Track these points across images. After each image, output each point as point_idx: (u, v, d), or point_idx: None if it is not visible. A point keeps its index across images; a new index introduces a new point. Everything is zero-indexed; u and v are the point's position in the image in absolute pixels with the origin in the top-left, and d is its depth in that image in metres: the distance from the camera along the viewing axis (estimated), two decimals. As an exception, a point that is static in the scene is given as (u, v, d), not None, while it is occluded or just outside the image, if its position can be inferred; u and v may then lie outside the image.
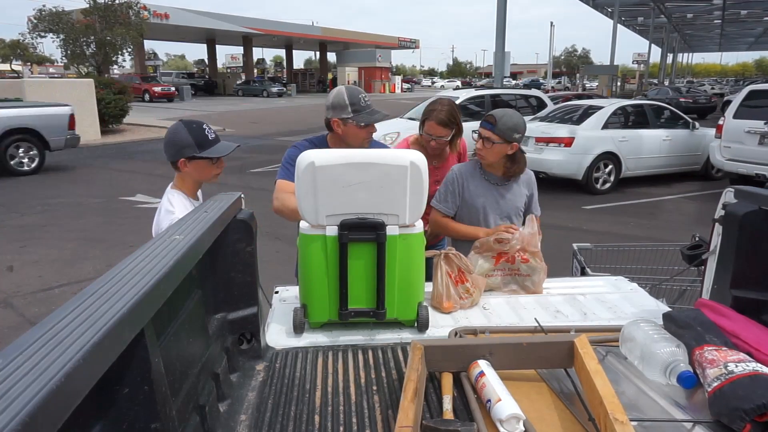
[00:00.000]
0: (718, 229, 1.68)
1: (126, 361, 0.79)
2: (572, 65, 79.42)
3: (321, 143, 2.28)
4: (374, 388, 1.31)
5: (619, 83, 31.51)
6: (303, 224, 1.57)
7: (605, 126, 8.89)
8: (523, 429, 1.11)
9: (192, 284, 1.22)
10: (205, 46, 47.16)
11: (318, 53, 55.71)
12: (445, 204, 2.35)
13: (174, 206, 1.92)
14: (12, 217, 7.27)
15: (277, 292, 1.94)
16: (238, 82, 43.18)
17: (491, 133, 2.18)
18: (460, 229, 2.33)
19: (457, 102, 10.57)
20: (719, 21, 36.88)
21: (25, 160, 10.06)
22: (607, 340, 1.50)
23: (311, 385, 1.32)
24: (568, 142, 8.58)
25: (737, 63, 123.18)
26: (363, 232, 1.51)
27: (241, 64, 49.38)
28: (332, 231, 1.52)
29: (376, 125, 2.28)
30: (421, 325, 1.61)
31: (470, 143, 2.48)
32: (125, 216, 7.31)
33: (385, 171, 1.49)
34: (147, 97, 32.02)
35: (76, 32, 20.06)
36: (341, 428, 1.16)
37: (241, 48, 46.02)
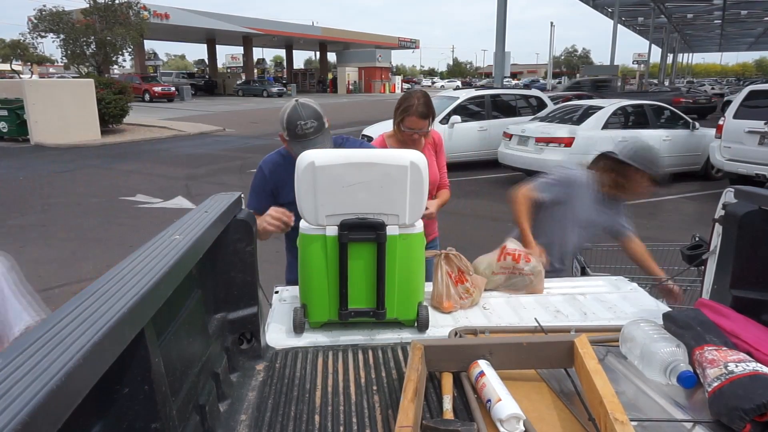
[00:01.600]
0: (718, 229, 1.68)
1: (126, 361, 0.79)
2: (572, 65, 79.44)
3: (288, 153, 2.13)
4: (374, 388, 1.31)
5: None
6: (303, 224, 1.57)
7: (605, 126, 8.89)
8: (523, 429, 1.11)
9: (192, 284, 1.21)
10: (205, 46, 47.14)
11: (318, 53, 55.71)
12: (544, 193, 2.37)
13: None
14: (12, 217, 7.27)
15: (277, 292, 1.94)
16: (238, 82, 43.18)
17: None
18: (522, 217, 2.35)
19: (457, 102, 10.57)
20: (719, 21, 36.90)
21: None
22: (607, 340, 1.50)
23: (311, 385, 1.32)
24: (568, 142, 8.58)
25: (737, 63, 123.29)
26: (363, 232, 1.51)
27: (241, 64, 49.35)
28: (332, 231, 1.52)
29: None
30: (421, 325, 1.61)
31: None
32: (125, 216, 7.31)
33: (385, 171, 1.49)
34: (147, 97, 32.03)
35: (76, 32, 20.07)
36: (341, 428, 1.16)
37: (241, 48, 46.01)
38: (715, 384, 1.15)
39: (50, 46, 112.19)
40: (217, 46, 47.28)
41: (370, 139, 9.93)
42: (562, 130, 8.81)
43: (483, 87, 20.73)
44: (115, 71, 29.81)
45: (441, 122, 9.86)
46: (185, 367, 1.08)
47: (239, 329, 1.44)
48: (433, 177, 2.53)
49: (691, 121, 9.85)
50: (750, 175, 8.05)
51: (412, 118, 2.39)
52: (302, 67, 69.62)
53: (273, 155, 2.22)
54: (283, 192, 2.13)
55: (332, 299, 1.56)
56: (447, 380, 1.28)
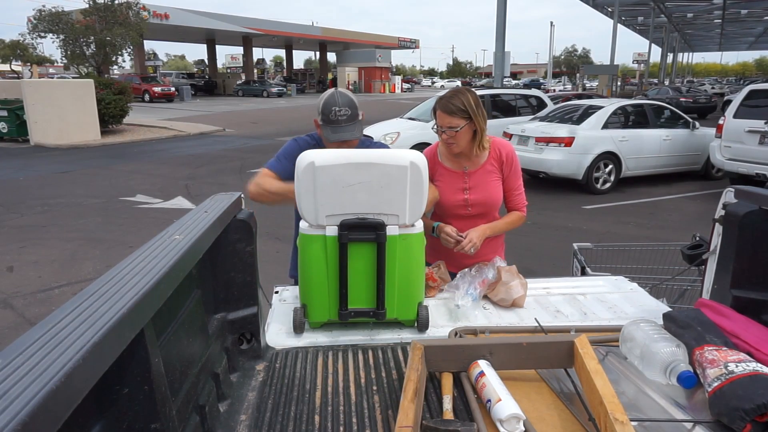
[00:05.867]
0: (718, 229, 1.68)
1: (126, 361, 0.79)
2: (572, 65, 79.45)
3: (320, 140, 2.21)
4: (374, 388, 1.31)
5: (619, 83, 31.42)
6: (303, 224, 1.57)
7: (605, 126, 8.89)
8: (523, 429, 1.11)
9: (192, 284, 1.22)
10: (205, 46, 47.12)
11: (318, 53, 55.70)
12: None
13: None
14: (12, 217, 7.27)
15: (277, 292, 1.94)
16: (238, 83, 43.18)
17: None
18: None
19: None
20: (719, 20, 36.87)
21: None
22: (607, 340, 1.50)
23: (311, 385, 1.32)
24: (568, 141, 8.58)
25: (737, 62, 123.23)
26: (363, 232, 1.51)
27: (241, 65, 49.33)
28: (332, 231, 1.52)
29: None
30: (421, 325, 1.61)
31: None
32: (125, 216, 7.31)
33: (385, 171, 1.49)
34: (147, 97, 32.02)
35: (75, 32, 20.07)
36: (341, 428, 1.16)
37: (241, 48, 45.99)
38: (716, 384, 1.15)
39: (50, 46, 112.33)
40: (216, 47, 47.25)
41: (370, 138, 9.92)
42: (562, 130, 8.81)
43: (483, 87, 20.68)
44: (115, 71, 29.83)
45: (441, 122, 9.85)
46: (185, 367, 1.08)
47: (239, 329, 1.44)
48: (486, 197, 2.18)
49: (691, 120, 9.85)
50: (750, 175, 8.05)
51: (438, 111, 2.15)
52: (302, 67, 69.59)
53: (305, 137, 2.26)
54: None
55: (332, 299, 1.57)
56: (447, 380, 1.28)
